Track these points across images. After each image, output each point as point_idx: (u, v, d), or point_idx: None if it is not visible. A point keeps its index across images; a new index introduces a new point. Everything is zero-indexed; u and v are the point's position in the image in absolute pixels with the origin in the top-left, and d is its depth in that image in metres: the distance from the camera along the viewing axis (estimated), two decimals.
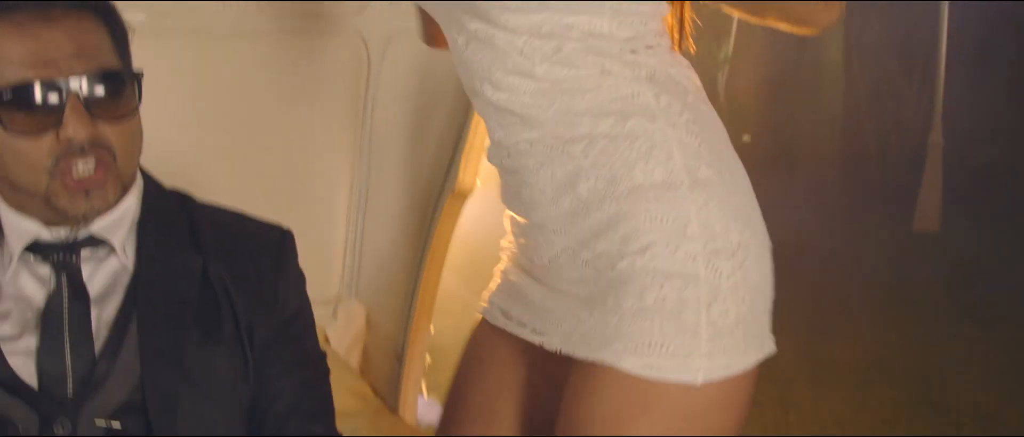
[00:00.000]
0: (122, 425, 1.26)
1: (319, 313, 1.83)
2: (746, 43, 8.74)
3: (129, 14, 1.40)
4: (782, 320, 1.44)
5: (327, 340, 2.37)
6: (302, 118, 2.30)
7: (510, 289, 1.44)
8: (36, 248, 1.31)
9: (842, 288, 5.17)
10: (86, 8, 1.30)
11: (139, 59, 1.37)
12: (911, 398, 3.77)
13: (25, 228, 1.31)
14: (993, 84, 9.62)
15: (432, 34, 1.59)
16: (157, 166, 1.46)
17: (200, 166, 2.11)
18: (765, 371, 1.39)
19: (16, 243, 1.31)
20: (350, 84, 2.29)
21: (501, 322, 1.45)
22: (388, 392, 2.29)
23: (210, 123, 2.23)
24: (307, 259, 1.64)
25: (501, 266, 1.49)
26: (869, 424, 3.58)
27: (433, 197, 2.18)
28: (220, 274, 1.35)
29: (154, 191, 1.41)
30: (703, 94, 1.36)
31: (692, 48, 1.42)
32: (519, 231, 1.41)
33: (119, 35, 1.35)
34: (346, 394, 2.12)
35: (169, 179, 1.46)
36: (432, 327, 2.29)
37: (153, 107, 1.38)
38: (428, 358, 2.30)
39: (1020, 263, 5.96)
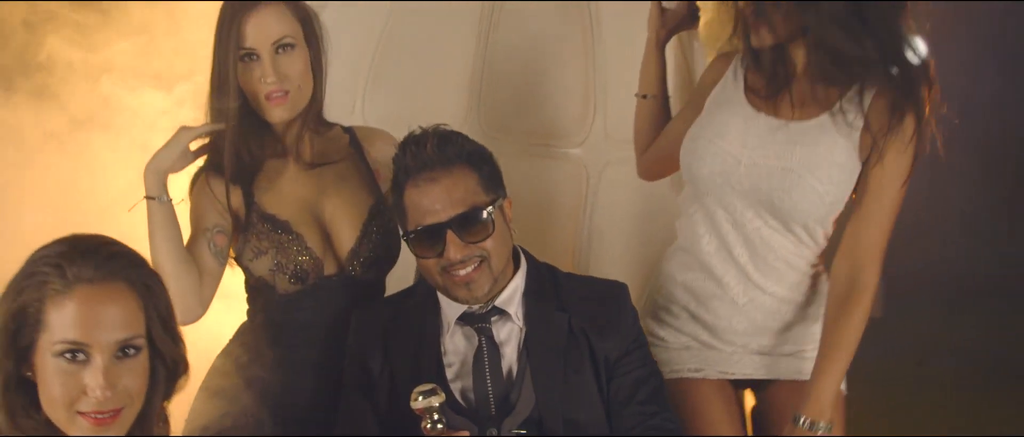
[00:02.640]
0: (527, 431, 1.94)
1: None
2: None
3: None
4: None
5: None
6: (532, 220, 2.98)
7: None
8: (463, 318, 2.00)
9: None
10: (462, 166, 1.99)
11: None
12: None
13: (456, 306, 2.00)
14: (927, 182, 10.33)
15: (645, 170, 2.53)
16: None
17: None
18: None
19: (451, 315, 2.01)
20: (572, 196, 2.98)
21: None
22: None
23: None
24: None
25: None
26: None
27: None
28: (581, 325, 2.01)
29: (532, 267, 2.09)
30: None
31: None
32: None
33: (487, 173, 2.03)
34: None
35: None
36: None
37: None
38: None
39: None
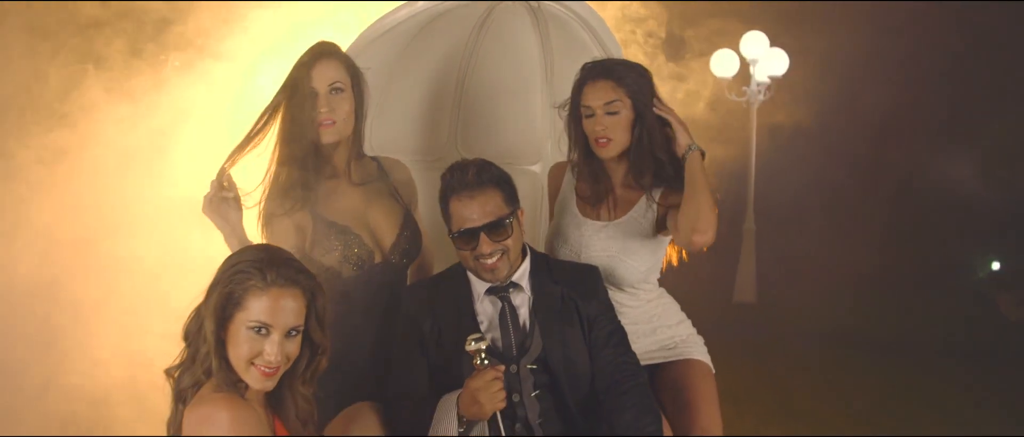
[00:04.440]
0: (536, 368, 2.79)
1: None
2: None
3: None
4: None
5: None
6: None
7: None
8: (490, 290, 2.84)
9: None
10: (491, 187, 2.79)
11: None
12: None
13: (483, 284, 2.84)
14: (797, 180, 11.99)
15: None
16: None
17: None
18: None
19: (480, 289, 2.84)
20: (530, 204, 3.81)
21: None
22: None
23: None
24: None
25: None
26: None
27: None
28: (570, 294, 2.86)
29: (534, 255, 2.93)
30: None
31: None
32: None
33: (508, 192, 2.83)
34: None
35: None
36: None
37: None
38: None
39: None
